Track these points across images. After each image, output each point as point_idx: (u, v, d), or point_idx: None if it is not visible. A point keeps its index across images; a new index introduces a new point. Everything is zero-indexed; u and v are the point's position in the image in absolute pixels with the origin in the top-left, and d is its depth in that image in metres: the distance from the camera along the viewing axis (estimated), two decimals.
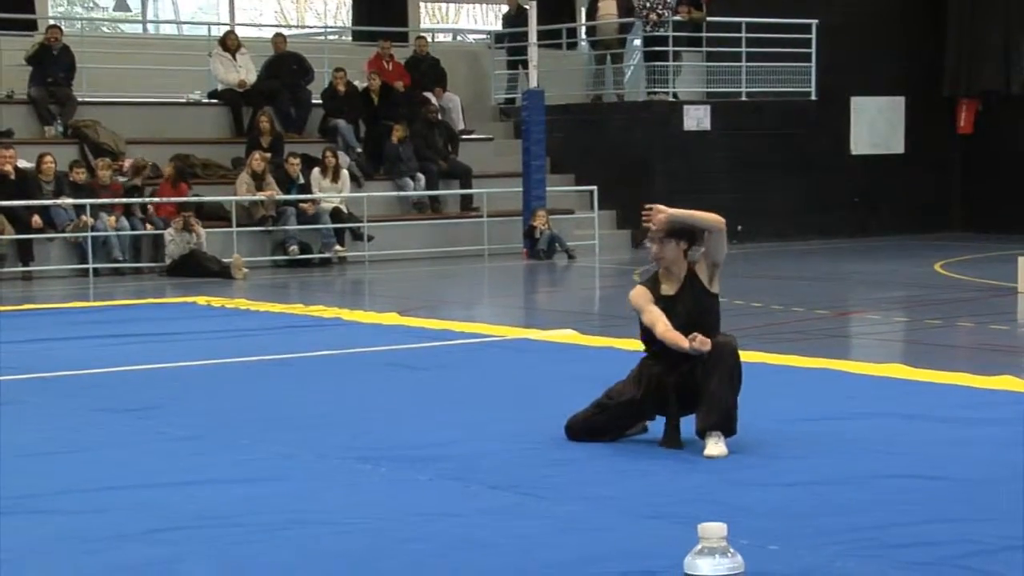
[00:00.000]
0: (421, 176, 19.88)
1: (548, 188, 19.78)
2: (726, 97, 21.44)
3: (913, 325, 11.96)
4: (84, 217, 16.85)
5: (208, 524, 5.20)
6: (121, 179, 17.88)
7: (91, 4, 32.92)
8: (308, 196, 18.46)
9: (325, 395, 8.25)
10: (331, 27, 30.54)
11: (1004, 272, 14.71)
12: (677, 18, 21.00)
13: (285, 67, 20.47)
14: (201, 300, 13.87)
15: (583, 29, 23.56)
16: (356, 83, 20.79)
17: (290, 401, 7.99)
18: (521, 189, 19.53)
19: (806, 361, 9.17)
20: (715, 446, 6.24)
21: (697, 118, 21.10)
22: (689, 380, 6.36)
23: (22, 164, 17.19)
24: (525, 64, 20.82)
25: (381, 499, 5.61)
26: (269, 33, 22.46)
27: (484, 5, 30.98)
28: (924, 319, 12.02)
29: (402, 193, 19.84)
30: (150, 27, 25.40)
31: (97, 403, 7.98)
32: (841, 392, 8.06)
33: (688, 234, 6.50)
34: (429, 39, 23.24)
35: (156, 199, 17.70)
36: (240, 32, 21.56)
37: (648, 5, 20.88)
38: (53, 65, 18.89)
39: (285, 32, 22.56)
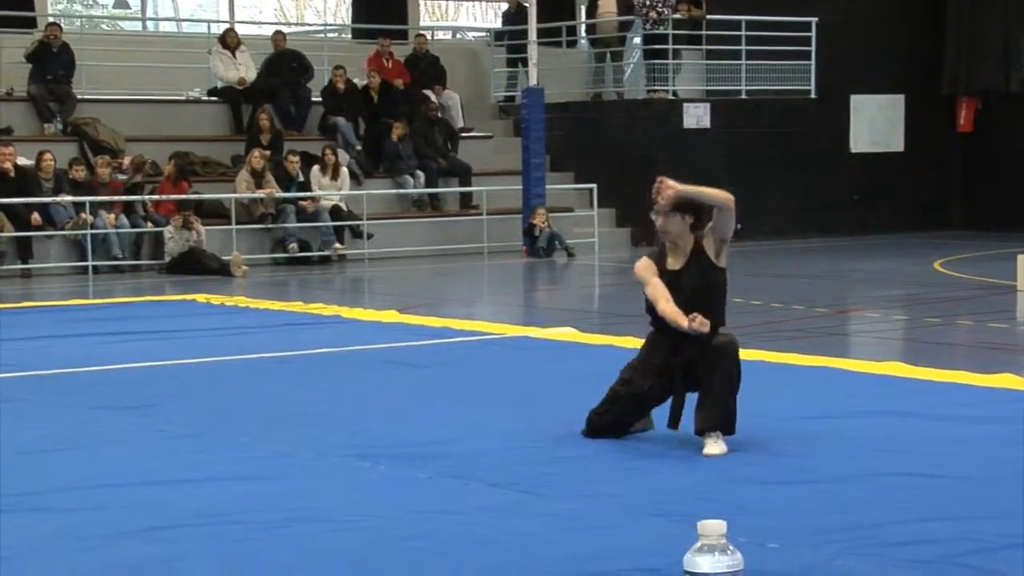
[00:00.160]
0: (421, 174, 19.86)
1: (548, 186, 19.77)
2: (726, 95, 21.42)
3: (913, 323, 11.95)
4: (83, 215, 16.84)
5: (207, 522, 5.19)
6: (121, 177, 17.88)
7: (91, 2, 32.93)
8: (308, 194, 18.45)
9: (324, 393, 8.23)
10: (331, 25, 30.56)
11: (1004, 270, 14.70)
12: (677, 16, 20.99)
13: (285, 65, 20.46)
14: (201, 298, 13.86)
15: (583, 27, 23.55)
16: (356, 81, 20.78)
17: (289, 399, 7.98)
18: (521, 187, 19.51)
19: (806, 359, 9.17)
20: (715, 445, 6.24)
21: (697, 116, 21.09)
22: (693, 369, 6.36)
23: (22, 162, 17.17)
24: (525, 62, 20.81)
25: (381, 497, 5.60)
26: (269, 31, 22.46)
27: (484, 3, 30.96)
28: (924, 317, 12.01)
29: (402, 191, 19.83)
30: (150, 24, 25.37)
31: (96, 401, 7.97)
32: (841, 390, 8.05)
33: (694, 208, 6.45)
34: (429, 37, 23.21)
35: (155, 197, 17.70)
36: (240, 30, 21.54)
37: (648, 3, 20.86)
38: (53, 63, 18.88)
39: (285, 30, 22.56)
